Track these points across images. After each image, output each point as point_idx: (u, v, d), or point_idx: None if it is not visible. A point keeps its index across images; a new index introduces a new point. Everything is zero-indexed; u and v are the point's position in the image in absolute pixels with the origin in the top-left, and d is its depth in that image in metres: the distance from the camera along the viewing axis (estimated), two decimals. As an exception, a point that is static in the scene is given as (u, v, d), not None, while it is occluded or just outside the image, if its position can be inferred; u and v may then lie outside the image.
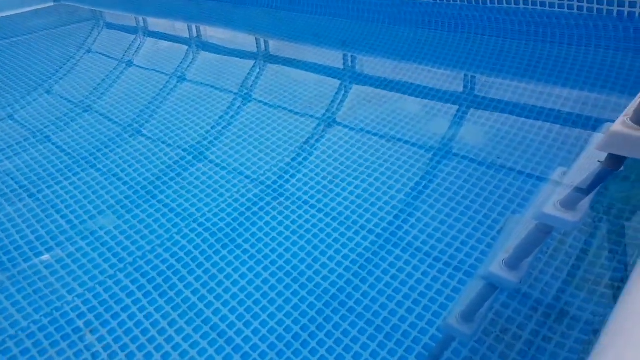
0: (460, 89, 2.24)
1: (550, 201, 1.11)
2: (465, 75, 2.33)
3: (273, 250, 1.53)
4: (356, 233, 1.57)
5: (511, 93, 2.13)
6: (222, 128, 2.08)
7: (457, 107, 2.11)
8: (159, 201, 1.71)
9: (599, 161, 1.04)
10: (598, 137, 1.75)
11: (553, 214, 1.09)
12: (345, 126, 2.05)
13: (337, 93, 2.31)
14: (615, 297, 1.20)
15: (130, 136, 2.04)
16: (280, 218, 1.64)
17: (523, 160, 1.77)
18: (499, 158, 1.79)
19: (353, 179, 1.78)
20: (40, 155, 1.93)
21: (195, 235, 1.60)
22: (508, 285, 1.04)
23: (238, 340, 1.29)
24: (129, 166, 1.87)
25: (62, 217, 1.66)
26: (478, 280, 1.25)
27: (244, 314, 1.36)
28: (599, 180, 1.07)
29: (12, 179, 1.83)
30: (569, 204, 1.09)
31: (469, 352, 1.20)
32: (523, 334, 1.21)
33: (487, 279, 1.08)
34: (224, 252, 1.53)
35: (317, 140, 1.99)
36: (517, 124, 1.95)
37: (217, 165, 1.88)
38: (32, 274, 1.49)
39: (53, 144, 2.02)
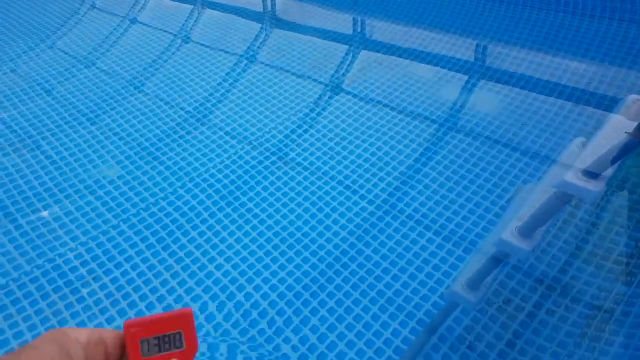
0: (474, 57, 2.18)
1: (571, 170, 1.08)
2: (480, 43, 2.27)
3: (277, 211, 1.52)
4: (362, 198, 1.55)
5: (527, 63, 2.07)
6: (227, 89, 2.04)
7: (469, 75, 2.06)
8: (161, 160, 1.69)
9: (626, 132, 1.01)
10: (622, 109, 1.71)
11: (575, 183, 1.07)
12: (354, 89, 2.01)
13: (346, 54, 2.25)
14: (623, 273, 1.19)
15: (131, 94, 2.01)
16: (285, 178, 1.62)
17: (536, 131, 1.73)
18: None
19: (359, 142, 1.75)
20: (40, 110, 1.90)
21: (200, 191, 1.58)
22: (520, 253, 1.02)
23: (239, 297, 1.29)
24: (130, 125, 1.84)
25: (69, 169, 1.65)
26: (488, 247, 1.23)
27: (246, 270, 1.35)
28: (625, 151, 1.05)
29: (16, 130, 1.81)
30: (591, 173, 1.07)
31: (471, 321, 1.20)
32: (526, 306, 1.21)
33: (498, 246, 1.06)
34: (228, 210, 1.52)
35: (324, 103, 1.95)
36: (531, 95, 1.90)
37: (221, 125, 1.85)
38: (38, 224, 1.48)
39: (54, 98, 1.99)
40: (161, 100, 1.96)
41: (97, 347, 0.47)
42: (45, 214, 1.51)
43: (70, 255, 1.39)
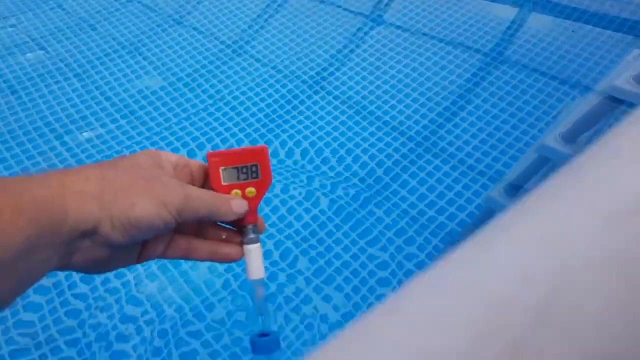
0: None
1: (622, 76, 1.05)
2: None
3: (312, 144, 1.53)
4: (401, 133, 1.54)
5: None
6: (265, 20, 2.05)
7: (519, 4, 2.00)
8: (201, 85, 1.72)
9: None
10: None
11: (625, 88, 1.03)
12: (396, 20, 1.98)
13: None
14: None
15: (170, 27, 2.03)
16: (321, 113, 1.63)
17: (589, 64, 1.68)
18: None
19: (398, 75, 1.74)
20: (85, 45, 1.95)
21: (235, 117, 1.61)
22: (561, 158, 1.00)
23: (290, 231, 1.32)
24: (173, 53, 1.87)
25: (105, 98, 1.69)
26: (530, 154, 1.21)
27: (288, 199, 1.37)
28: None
29: (61, 60, 1.86)
30: (646, 80, 1.03)
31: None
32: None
33: (539, 152, 1.04)
34: (259, 140, 1.55)
35: (363, 34, 1.94)
36: (586, 27, 1.84)
37: (257, 57, 1.86)
38: (86, 145, 1.54)
39: (98, 33, 2.03)
40: (199, 33, 1.98)
41: (184, 170, 0.52)
42: (89, 134, 1.57)
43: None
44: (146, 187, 0.45)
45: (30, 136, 1.55)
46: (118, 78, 1.77)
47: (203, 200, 0.48)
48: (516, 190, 1.12)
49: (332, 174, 1.42)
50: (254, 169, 0.52)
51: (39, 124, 1.59)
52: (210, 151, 0.52)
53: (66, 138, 1.55)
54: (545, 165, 1.21)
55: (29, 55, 1.89)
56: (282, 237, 1.26)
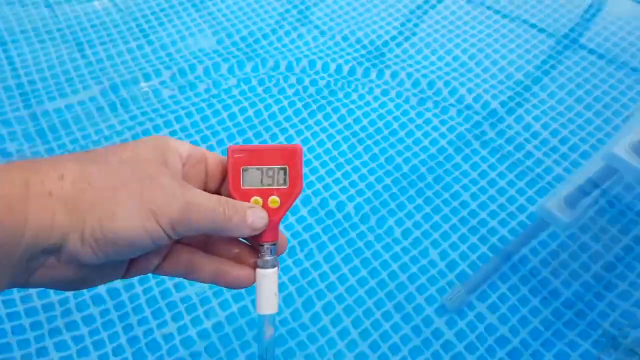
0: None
1: None
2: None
3: (366, 114, 1.46)
4: (459, 113, 1.46)
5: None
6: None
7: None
8: (256, 57, 1.67)
9: None
10: None
11: None
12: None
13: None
14: None
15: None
16: (383, 87, 1.55)
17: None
18: None
19: (468, 52, 1.63)
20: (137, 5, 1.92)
21: (290, 85, 1.56)
22: (631, 172, 0.91)
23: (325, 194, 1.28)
24: (227, 18, 1.82)
25: (156, 57, 1.66)
26: (595, 162, 1.12)
27: (343, 163, 1.33)
28: None
29: (124, 20, 1.85)
30: None
31: (557, 246, 1.12)
32: (623, 239, 1.10)
33: (606, 160, 0.95)
34: (314, 108, 1.49)
35: (430, 7, 1.82)
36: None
37: (317, 26, 1.78)
38: (140, 97, 1.53)
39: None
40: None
41: (198, 165, 0.42)
42: (144, 85, 1.56)
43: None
44: (135, 191, 0.35)
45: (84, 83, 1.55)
46: (171, 34, 1.73)
47: (208, 210, 0.37)
48: (576, 203, 1.04)
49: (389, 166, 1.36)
50: (281, 173, 0.42)
51: (88, 80, 1.59)
52: (233, 145, 0.42)
53: (112, 95, 1.54)
54: (613, 176, 1.11)
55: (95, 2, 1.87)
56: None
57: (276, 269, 0.43)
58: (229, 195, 0.41)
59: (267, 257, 0.42)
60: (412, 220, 1.22)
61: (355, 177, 1.32)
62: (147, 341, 1.05)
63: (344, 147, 1.39)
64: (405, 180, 1.30)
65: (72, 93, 1.53)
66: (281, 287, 1.12)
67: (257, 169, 0.42)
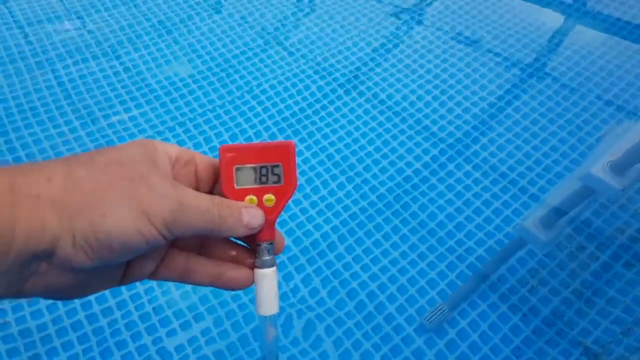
0: None
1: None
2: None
3: (340, 139, 1.47)
4: (428, 139, 1.47)
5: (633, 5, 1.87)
6: (301, 15, 1.98)
7: (566, 15, 1.88)
8: (230, 81, 1.67)
9: None
10: None
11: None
12: (433, 17, 1.89)
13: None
14: None
15: (206, 12, 1.98)
16: (356, 109, 1.56)
17: (632, 89, 1.57)
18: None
19: (434, 80, 1.65)
20: (117, 21, 1.92)
21: (260, 113, 1.55)
22: (609, 191, 0.92)
23: (302, 218, 1.26)
24: (201, 46, 1.82)
25: (132, 82, 1.65)
26: (571, 182, 1.13)
27: (311, 194, 1.32)
28: None
29: (102, 35, 1.83)
30: None
31: (536, 264, 1.12)
32: (601, 256, 1.11)
33: (584, 181, 0.96)
34: (289, 132, 1.49)
35: (402, 34, 1.85)
36: (633, 46, 1.72)
37: (290, 50, 1.79)
38: (118, 127, 1.51)
39: (139, 10, 2.00)
40: (235, 21, 1.92)
41: (187, 167, 0.40)
42: (113, 119, 1.53)
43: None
44: (126, 192, 0.34)
45: (52, 114, 1.52)
46: (147, 61, 1.73)
47: (202, 209, 0.36)
48: (553, 222, 1.04)
49: (358, 180, 1.35)
50: (275, 170, 0.41)
51: (62, 102, 1.56)
52: (224, 144, 0.41)
53: (87, 119, 1.52)
54: (590, 196, 1.12)
55: (66, 24, 1.85)
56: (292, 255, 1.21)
57: (274, 268, 0.42)
58: (223, 196, 0.40)
59: (265, 257, 0.41)
60: (390, 241, 1.21)
61: (331, 199, 1.31)
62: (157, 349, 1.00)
63: (320, 169, 1.38)
64: (381, 202, 1.30)
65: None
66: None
67: (251, 167, 0.41)
